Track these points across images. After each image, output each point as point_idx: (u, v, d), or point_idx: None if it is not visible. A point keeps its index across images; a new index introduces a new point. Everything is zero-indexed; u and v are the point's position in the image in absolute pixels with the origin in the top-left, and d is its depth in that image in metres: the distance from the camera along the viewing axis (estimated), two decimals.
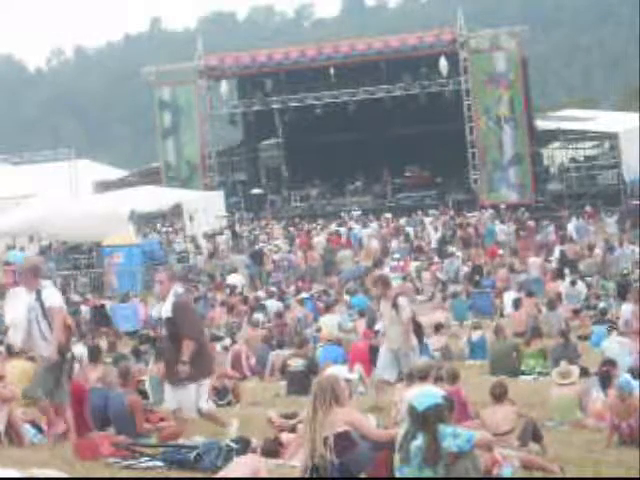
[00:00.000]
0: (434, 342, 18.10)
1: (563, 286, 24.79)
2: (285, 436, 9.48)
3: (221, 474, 7.88)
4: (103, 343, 16.50)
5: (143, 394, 12.88)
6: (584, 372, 14.35)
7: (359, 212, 41.32)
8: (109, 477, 8.48)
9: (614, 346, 15.45)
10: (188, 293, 23.88)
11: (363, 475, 7.35)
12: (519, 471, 8.28)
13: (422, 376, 9.75)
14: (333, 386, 7.45)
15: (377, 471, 7.32)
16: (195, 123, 44.84)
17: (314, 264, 31.96)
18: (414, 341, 13.19)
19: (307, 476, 7.25)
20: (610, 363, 12.36)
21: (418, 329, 14.50)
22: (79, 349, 16.37)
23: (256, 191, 45.94)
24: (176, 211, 35.60)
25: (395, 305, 13.02)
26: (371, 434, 7.43)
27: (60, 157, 41.85)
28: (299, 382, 14.72)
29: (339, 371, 9.21)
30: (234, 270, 30.59)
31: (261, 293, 26.23)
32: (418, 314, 22.01)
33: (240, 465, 7.79)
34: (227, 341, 17.96)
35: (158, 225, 37.77)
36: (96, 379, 11.62)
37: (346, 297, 24.65)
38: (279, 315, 21.57)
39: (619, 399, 10.64)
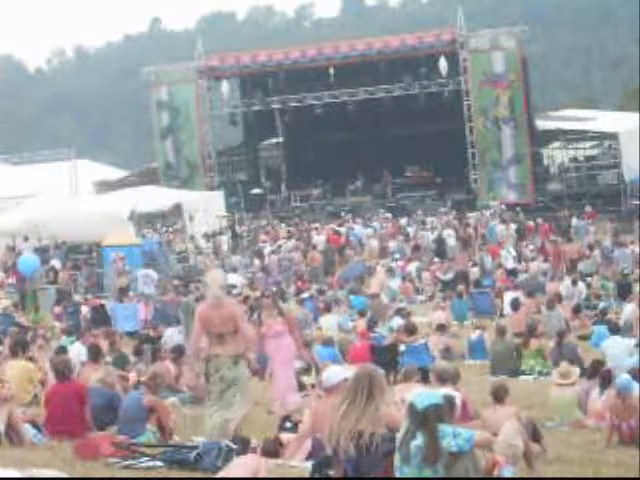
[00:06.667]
0: (434, 342, 18.08)
1: (563, 286, 24.80)
2: (285, 436, 9.47)
3: (221, 474, 7.87)
4: (104, 343, 16.43)
5: None
6: (584, 372, 14.33)
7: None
8: (109, 477, 8.47)
9: (614, 346, 15.44)
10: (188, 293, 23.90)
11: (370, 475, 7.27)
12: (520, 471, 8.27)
13: (444, 379, 9.71)
14: (371, 377, 7.30)
15: (381, 473, 7.27)
16: (194, 123, 44.82)
17: (315, 264, 31.92)
18: None
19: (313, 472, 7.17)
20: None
21: None
22: (78, 348, 16.44)
23: (256, 191, 45.90)
24: (176, 211, 35.56)
25: None
26: None
27: (60, 157, 41.76)
28: (298, 382, 14.66)
29: (339, 371, 9.17)
30: (234, 270, 30.57)
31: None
32: (418, 314, 22.24)
33: (240, 465, 7.78)
34: None
35: (158, 225, 37.72)
36: (96, 379, 11.55)
37: (347, 297, 24.59)
38: None
39: (619, 399, 10.64)
